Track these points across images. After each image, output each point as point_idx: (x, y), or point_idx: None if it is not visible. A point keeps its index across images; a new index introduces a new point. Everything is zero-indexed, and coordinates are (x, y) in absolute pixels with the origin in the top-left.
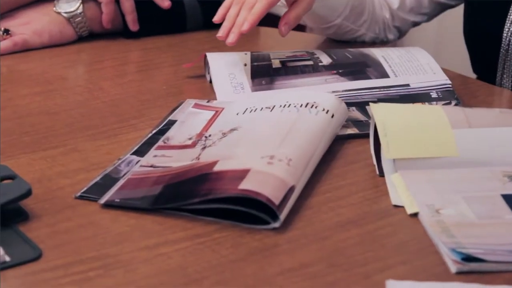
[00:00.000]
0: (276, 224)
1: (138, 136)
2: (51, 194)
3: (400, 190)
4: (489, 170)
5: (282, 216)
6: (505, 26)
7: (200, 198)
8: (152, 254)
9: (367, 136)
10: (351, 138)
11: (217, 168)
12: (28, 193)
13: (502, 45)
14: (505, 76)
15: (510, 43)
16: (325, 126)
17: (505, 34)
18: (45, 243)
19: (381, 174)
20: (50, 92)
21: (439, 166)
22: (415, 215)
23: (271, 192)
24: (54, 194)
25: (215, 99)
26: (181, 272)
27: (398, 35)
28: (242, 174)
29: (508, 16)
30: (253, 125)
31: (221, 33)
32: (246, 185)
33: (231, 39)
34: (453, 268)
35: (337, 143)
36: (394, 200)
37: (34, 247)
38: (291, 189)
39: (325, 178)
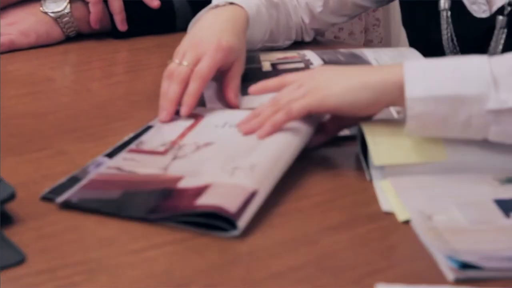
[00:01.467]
0: (236, 232)
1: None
2: (36, 197)
3: (390, 196)
4: (479, 175)
5: (242, 222)
6: (443, 32)
7: (152, 214)
8: (138, 258)
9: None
10: (341, 140)
11: (180, 185)
12: (11, 197)
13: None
14: None
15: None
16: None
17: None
18: (29, 247)
19: (372, 179)
20: (36, 93)
21: (429, 171)
22: (406, 222)
23: (226, 201)
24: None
25: (204, 104)
26: (167, 276)
27: (314, 35)
28: (201, 190)
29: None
30: (229, 141)
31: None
32: (202, 200)
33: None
34: (450, 276)
35: (328, 145)
36: (385, 207)
37: (18, 252)
38: (252, 194)
39: (315, 181)
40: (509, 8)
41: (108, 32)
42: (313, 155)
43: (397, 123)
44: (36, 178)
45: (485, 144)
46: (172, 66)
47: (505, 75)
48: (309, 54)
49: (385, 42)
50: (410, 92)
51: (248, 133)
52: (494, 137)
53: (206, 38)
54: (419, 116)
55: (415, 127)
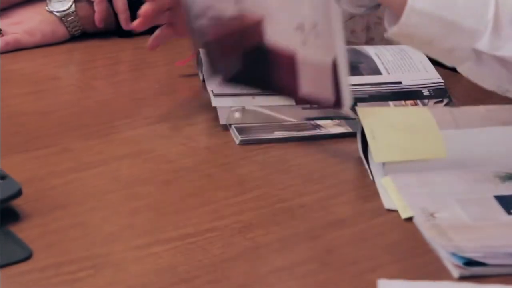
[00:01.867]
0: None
1: (130, 135)
2: (42, 194)
3: (392, 194)
4: (479, 171)
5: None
6: None
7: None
8: (143, 254)
9: None
10: (344, 136)
11: (267, 36)
12: (18, 193)
13: None
14: None
15: None
16: None
17: None
18: (35, 243)
19: (373, 176)
20: (41, 91)
21: (429, 168)
22: (409, 218)
23: (322, 91)
24: (45, 194)
25: (208, 97)
26: (171, 272)
27: None
28: (292, 62)
29: None
30: None
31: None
32: (305, 88)
33: None
34: (455, 273)
35: (330, 141)
36: (387, 204)
37: (24, 247)
38: (334, 67)
39: (318, 177)
40: None
41: (113, 31)
42: (316, 152)
43: (397, 119)
44: (42, 175)
45: (486, 141)
46: None
47: (508, 21)
48: None
49: (387, 40)
50: (415, 1)
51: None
52: (464, 71)
53: None
54: (412, 26)
55: (402, 36)
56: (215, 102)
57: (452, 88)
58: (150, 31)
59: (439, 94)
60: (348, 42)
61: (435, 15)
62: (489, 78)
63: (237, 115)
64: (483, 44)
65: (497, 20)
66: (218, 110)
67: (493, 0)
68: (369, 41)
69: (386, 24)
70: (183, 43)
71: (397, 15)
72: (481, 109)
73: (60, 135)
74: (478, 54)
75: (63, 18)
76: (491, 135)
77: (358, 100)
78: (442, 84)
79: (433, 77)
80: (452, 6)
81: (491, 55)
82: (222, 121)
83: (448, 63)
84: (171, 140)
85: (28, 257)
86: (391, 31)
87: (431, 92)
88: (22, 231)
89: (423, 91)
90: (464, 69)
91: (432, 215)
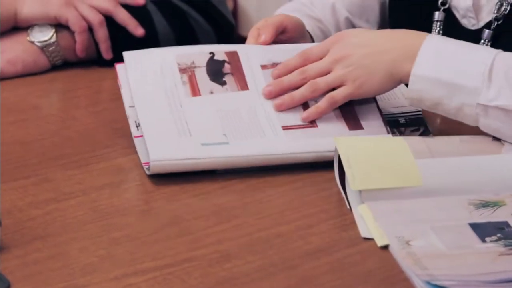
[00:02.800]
0: None
1: (110, 165)
2: (21, 225)
3: (368, 222)
4: (454, 199)
5: None
6: None
7: None
8: (121, 285)
9: None
10: (321, 165)
11: None
12: None
13: None
14: None
15: None
16: None
17: None
18: (14, 274)
19: (350, 204)
20: (23, 121)
21: (405, 196)
22: (385, 246)
23: None
24: (25, 225)
25: None
26: None
27: None
28: None
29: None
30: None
31: (266, 92)
32: None
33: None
34: None
35: (308, 170)
36: (363, 233)
37: (3, 279)
38: None
39: (296, 206)
40: (495, 23)
41: (94, 60)
42: (294, 180)
43: (373, 148)
44: (21, 206)
45: (460, 170)
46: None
47: (501, 74)
48: None
49: None
50: (417, 69)
51: (279, 106)
52: (483, 128)
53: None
54: (418, 91)
55: (414, 100)
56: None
57: (429, 117)
58: None
59: (416, 123)
60: None
61: (436, 79)
62: (504, 131)
63: None
64: (483, 98)
65: (490, 74)
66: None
67: (491, 59)
68: None
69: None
70: None
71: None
72: (455, 139)
73: (40, 165)
74: (484, 109)
75: (44, 48)
76: (465, 164)
77: None
78: (420, 113)
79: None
80: (451, 68)
81: (494, 107)
82: None
83: (465, 121)
84: None
85: None
86: (406, 96)
87: (408, 120)
88: (0, 262)
89: (399, 119)
90: (482, 126)
91: (407, 243)
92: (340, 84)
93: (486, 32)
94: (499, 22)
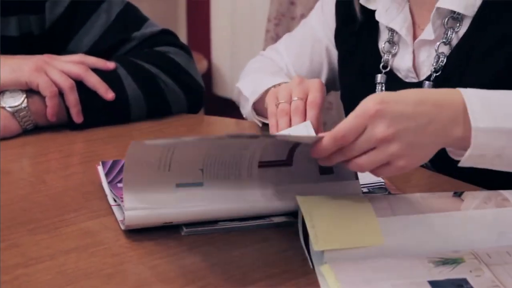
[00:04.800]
0: None
1: (78, 228)
2: None
3: (330, 281)
4: (414, 257)
5: None
6: None
7: None
8: None
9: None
10: (286, 225)
11: None
12: None
13: None
14: None
15: None
16: None
17: None
18: None
19: (313, 264)
20: None
21: (367, 255)
22: None
23: None
24: None
25: None
26: None
27: None
28: None
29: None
30: None
31: None
32: None
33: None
34: None
35: (272, 230)
36: None
37: None
38: None
39: (260, 266)
40: (434, 75)
41: (65, 124)
42: (259, 241)
43: (336, 207)
44: None
45: (420, 227)
46: (284, 105)
47: None
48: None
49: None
50: (475, 123)
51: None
52: None
53: (306, 79)
54: (482, 145)
55: (475, 157)
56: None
57: (392, 178)
58: (102, 123)
59: (378, 192)
60: None
61: (498, 128)
62: None
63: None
64: None
65: None
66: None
67: None
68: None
69: (453, 156)
70: (133, 136)
71: (462, 145)
72: (416, 196)
73: (8, 231)
74: None
75: (15, 113)
76: (425, 221)
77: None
78: (383, 183)
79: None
80: (506, 115)
81: None
82: None
83: None
84: (117, 232)
85: None
86: (465, 156)
87: (371, 190)
88: None
89: (363, 189)
90: None
91: None
92: (387, 162)
93: (427, 83)
94: (438, 74)
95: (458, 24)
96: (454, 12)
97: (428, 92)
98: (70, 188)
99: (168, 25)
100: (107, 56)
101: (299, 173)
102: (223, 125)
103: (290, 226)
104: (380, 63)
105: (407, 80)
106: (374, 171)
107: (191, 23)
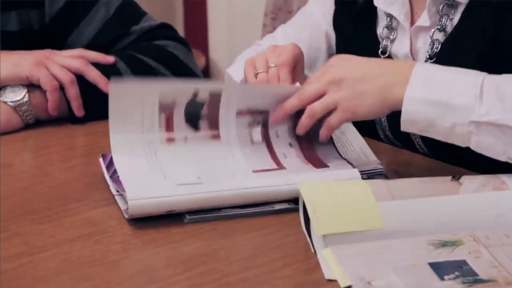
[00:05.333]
0: None
1: (82, 218)
2: None
3: (332, 264)
4: (414, 240)
5: None
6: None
7: None
8: None
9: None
10: (287, 211)
11: None
12: None
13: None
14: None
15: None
16: None
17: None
18: None
19: (314, 248)
20: None
21: (367, 238)
22: (348, 287)
23: None
24: None
25: None
26: None
27: None
28: None
29: None
30: None
31: (271, 120)
32: None
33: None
34: None
35: (274, 216)
36: (327, 275)
37: None
38: None
39: (263, 251)
40: (429, 61)
41: (66, 118)
42: (261, 227)
43: (336, 192)
44: None
45: (419, 211)
46: (262, 75)
47: (491, 92)
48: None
49: None
50: (410, 92)
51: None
52: (474, 147)
53: (282, 44)
54: (412, 112)
55: (407, 122)
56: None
57: (392, 162)
58: (102, 116)
59: (377, 178)
60: None
61: (429, 100)
62: (497, 147)
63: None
64: (476, 115)
65: (481, 92)
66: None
67: (480, 79)
68: None
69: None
70: None
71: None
72: (416, 180)
73: (11, 221)
74: (477, 126)
75: (17, 108)
76: (424, 205)
77: None
78: (381, 169)
79: (372, 162)
80: (444, 89)
81: (486, 123)
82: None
83: (456, 142)
84: (120, 221)
85: None
86: (401, 121)
87: (370, 176)
88: None
89: (362, 176)
90: (474, 145)
91: (369, 283)
92: (334, 107)
93: None
94: (433, 60)
95: (453, 11)
96: None
97: (385, 59)
98: (73, 179)
99: (165, 21)
100: (106, 50)
101: (295, 173)
102: None
103: (291, 212)
104: (379, 48)
105: None
106: (326, 120)
107: (188, 19)
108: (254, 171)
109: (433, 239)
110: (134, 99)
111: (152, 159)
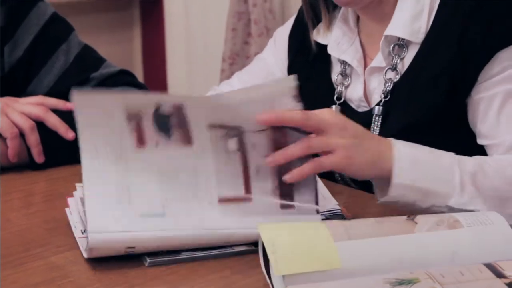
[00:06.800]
0: None
1: (44, 263)
2: None
3: None
4: (371, 278)
5: None
6: None
7: None
8: None
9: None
10: (247, 253)
11: None
12: None
13: None
14: None
15: None
16: None
17: None
18: None
19: None
20: None
21: (326, 278)
22: None
23: None
24: None
25: None
26: None
27: None
28: None
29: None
30: None
31: (269, 162)
32: None
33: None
34: None
35: (235, 258)
36: None
37: None
38: None
39: None
40: (383, 100)
41: (26, 164)
42: (222, 269)
43: (294, 233)
44: None
45: (375, 250)
46: None
47: (469, 184)
48: None
49: None
50: (396, 179)
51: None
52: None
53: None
54: (395, 197)
55: (388, 202)
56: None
57: (348, 205)
58: (63, 163)
59: (335, 218)
60: None
61: (414, 187)
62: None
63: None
64: (453, 202)
65: (462, 183)
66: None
67: (457, 167)
68: None
69: (376, 192)
70: None
71: (384, 187)
72: (371, 220)
73: None
74: (450, 208)
75: None
76: (380, 244)
77: None
78: (339, 210)
79: (331, 204)
80: (427, 177)
81: (461, 209)
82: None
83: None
84: (83, 266)
85: None
86: (381, 200)
87: (328, 216)
88: None
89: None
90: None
91: None
92: (332, 150)
93: (376, 108)
94: (387, 99)
95: (404, 50)
96: (399, 39)
97: (367, 134)
98: (35, 225)
99: (124, 67)
100: (66, 97)
101: (259, 209)
102: None
103: (251, 253)
104: (334, 94)
105: (359, 110)
106: (316, 158)
107: (147, 63)
108: (220, 200)
109: (390, 278)
110: (100, 109)
111: (123, 173)
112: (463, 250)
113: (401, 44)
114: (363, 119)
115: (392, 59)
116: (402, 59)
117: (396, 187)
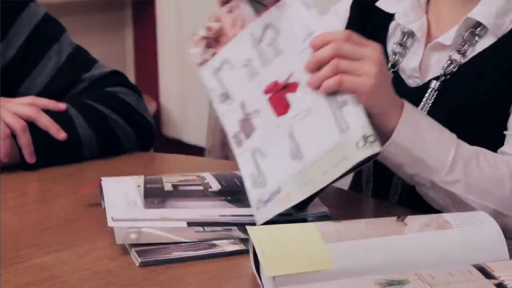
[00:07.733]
0: None
1: (35, 263)
2: None
3: None
4: (362, 279)
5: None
6: None
7: None
8: None
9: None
10: (238, 253)
11: None
12: None
13: None
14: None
15: None
16: None
17: None
18: None
19: None
20: None
21: (316, 279)
22: None
23: None
24: None
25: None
26: None
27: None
28: None
29: None
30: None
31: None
32: None
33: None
34: None
35: (225, 259)
36: None
37: None
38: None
39: None
40: (443, 78)
41: (18, 165)
42: (213, 269)
43: (285, 235)
44: None
45: (366, 251)
46: None
47: (461, 166)
48: (209, 178)
49: None
50: (395, 137)
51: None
52: (419, 191)
53: None
54: (388, 153)
55: (380, 157)
56: (112, 223)
57: (337, 206)
58: (54, 163)
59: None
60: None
61: (408, 150)
62: (438, 201)
63: (133, 236)
64: (438, 178)
65: (453, 163)
66: (115, 231)
67: (454, 148)
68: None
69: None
70: (85, 174)
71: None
72: (362, 222)
73: None
74: (432, 183)
75: None
76: (370, 246)
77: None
78: (327, 212)
79: (320, 207)
80: (423, 146)
81: (443, 188)
82: (119, 241)
83: (408, 182)
84: (74, 266)
85: None
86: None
87: (315, 219)
88: None
89: (308, 218)
90: (419, 190)
91: None
92: (359, 59)
93: (434, 82)
94: (447, 78)
95: (476, 39)
96: (478, 26)
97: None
98: (27, 225)
99: (116, 67)
100: (58, 98)
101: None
102: (176, 161)
103: (242, 253)
104: (388, 62)
105: (409, 81)
106: (347, 72)
107: (139, 65)
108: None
109: (380, 279)
110: None
111: None
112: (453, 251)
113: (473, 32)
114: (414, 92)
115: (462, 42)
116: (473, 44)
117: (392, 144)
